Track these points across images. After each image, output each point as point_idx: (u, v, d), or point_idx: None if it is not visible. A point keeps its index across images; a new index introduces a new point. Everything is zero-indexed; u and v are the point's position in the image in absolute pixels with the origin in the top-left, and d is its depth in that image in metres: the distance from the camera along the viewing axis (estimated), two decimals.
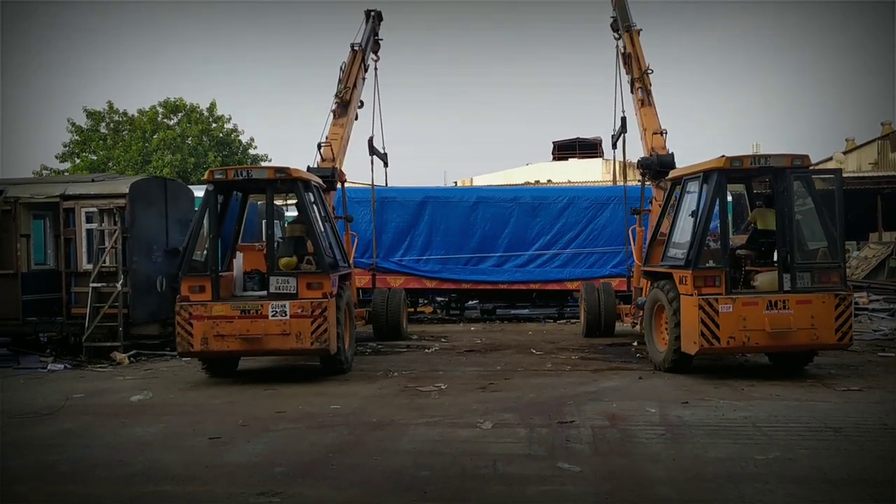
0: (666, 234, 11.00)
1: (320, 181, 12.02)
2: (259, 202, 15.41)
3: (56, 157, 36.14)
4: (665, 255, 10.71)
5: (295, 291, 9.81)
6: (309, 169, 12.81)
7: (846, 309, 9.33)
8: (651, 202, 13.10)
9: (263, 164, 37.26)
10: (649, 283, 11.57)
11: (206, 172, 10.35)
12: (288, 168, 10.31)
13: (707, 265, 9.61)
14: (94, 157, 35.50)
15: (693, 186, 10.40)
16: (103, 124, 36.42)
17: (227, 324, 9.72)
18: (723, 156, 9.82)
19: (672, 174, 11.57)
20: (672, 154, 12.80)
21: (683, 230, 10.41)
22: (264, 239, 10.50)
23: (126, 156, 34.41)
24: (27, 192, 13.16)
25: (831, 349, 10.03)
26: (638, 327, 12.39)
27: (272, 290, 9.91)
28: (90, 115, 35.93)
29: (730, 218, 12.30)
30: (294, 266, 10.24)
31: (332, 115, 14.08)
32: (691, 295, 9.40)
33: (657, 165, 12.70)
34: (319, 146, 13.68)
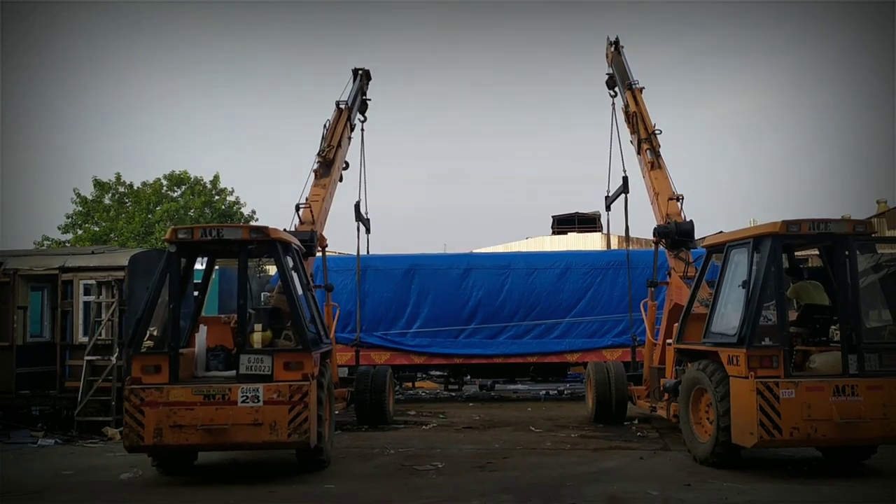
0: (705, 308, 9.90)
1: (300, 245, 10.82)
2: (230, 268, 14.06)
3: (58, 228, 36.35)
4: (707, 331, 9.54)
5: (270, 372, 8.48)
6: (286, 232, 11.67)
7: None
8: (668, 273, 12.21)
9: None
10: (674, 362, 10.55)
11: (169, 231, 9.17)
12: (265, 227, 9.11)
13: (763, 343, 8.55)
14: (97, 228, 35.71)
15: (739, 255, 9.38)
16: (108, 196, 36.74)
17: (187, 412, 8.27)
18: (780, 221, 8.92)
19: (710, 241, 10.65)
20: (691, 221, 12.07)
21: (729, 304, 9.37)
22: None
23: (129, 227, 34.65)
24: (26, 264, 13.19)
25: None
26: (662, 412, 11.09)
27: (242, 370, 8.55)
28: (98, 185, 36.25)
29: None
30: (269, 342, 8.99)
31: (313, 174, 13.27)
32: (745, 377, 8.32)
33: (676, 234, 11.97)
34: (298, 207, 12.62)
